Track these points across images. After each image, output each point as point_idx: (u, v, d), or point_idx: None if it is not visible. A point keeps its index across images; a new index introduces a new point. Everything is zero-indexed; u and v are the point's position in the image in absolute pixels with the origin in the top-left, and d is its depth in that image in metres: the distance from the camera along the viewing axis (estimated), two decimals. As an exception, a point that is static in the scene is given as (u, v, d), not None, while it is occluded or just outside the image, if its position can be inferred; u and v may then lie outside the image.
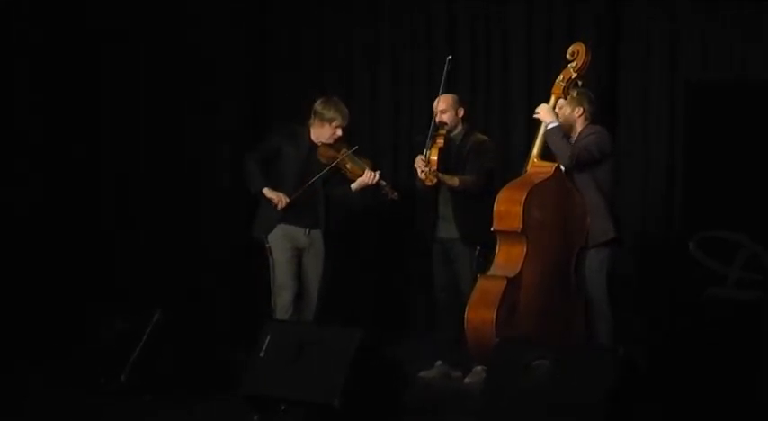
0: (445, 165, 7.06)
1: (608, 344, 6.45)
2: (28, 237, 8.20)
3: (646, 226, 8.15)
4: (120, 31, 8.67)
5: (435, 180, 6.96)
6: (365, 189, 7.17)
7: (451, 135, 7.18)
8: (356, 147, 7.16)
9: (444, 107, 7.19)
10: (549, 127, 6.71)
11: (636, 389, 5.42)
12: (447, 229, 7.19)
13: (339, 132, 7.15)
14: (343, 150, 7.14)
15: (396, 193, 7.16)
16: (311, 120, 7.20)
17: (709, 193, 7.61)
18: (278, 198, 7.09)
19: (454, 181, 7.05)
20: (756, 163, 7.52)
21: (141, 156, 8.78)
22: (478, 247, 7.03)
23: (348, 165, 7.13)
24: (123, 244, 8.70)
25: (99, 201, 8.73)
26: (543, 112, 6.77)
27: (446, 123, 7.16)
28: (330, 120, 7.13)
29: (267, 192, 7.12)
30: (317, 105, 7.19)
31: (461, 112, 7.24)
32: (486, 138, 7.34)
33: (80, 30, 8.53)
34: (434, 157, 6.99)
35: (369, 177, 7.09)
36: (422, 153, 7.02)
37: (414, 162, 7.06)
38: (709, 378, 6.06)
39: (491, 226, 6.75)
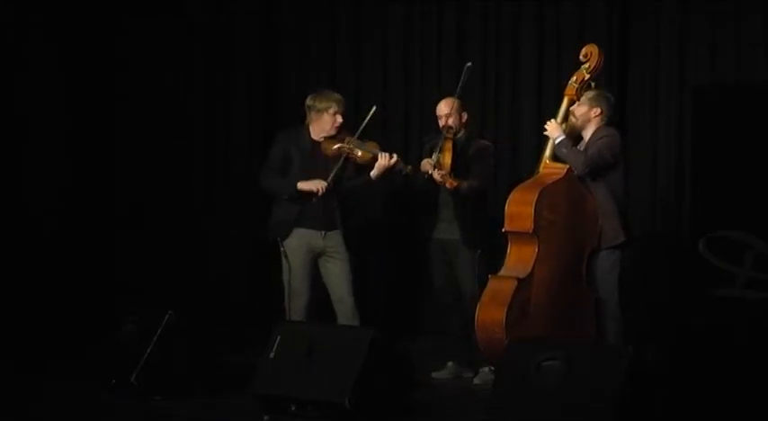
0: (450, 168, 7.01)
1: (618, 344, 6.45)
2: (44, 239, 8.25)
3: (655, 226, 8.15)
4: (133, 27, 8.75)
5: (456, 182, 6.89)
6: (385, 173, 6.99)
7: (455, 138, 7.09)
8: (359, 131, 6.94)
9: (448, 111, 7.06)
10: (557, 142, 6.70)
11: (645, 389, 5.43)
12: (447, 231, 7.10)
13: (339, 119, 6.95)
14: (347, 139, 6.95)
15: (409, 167, 7.02)
16: (307, 118, 7.04)
17: (718, 194, 7.62)
18: (316, 186, 6.88)
19: (464, 184, 7.01)
20: (764, 164, 7.52)
21: (155, 158, 8.84)
22: (479, 250, 6.97)
23: (358, 153, 6.94)
24: (138, 244, 8.74)
25: (113, 202, 8.80)
26: (550, 129, 6.75)
27: (452, 127, 7.04)
28: (326, 109, 6.95)
29: (302, 184, 6.90)
30: (308, 100, 7.03)
31: (465, 117, 7.15)
32: (488, 142, 7.30)
33: (95, 27, 8.62)
34: (448, 161, 6.92)
35: (386, 159, 6.90)
36: (429, 156, 6.95)
37: (420, 165, 7.00)
38: (719, 377, 6.07)
39: (491, 228, 6.74)
